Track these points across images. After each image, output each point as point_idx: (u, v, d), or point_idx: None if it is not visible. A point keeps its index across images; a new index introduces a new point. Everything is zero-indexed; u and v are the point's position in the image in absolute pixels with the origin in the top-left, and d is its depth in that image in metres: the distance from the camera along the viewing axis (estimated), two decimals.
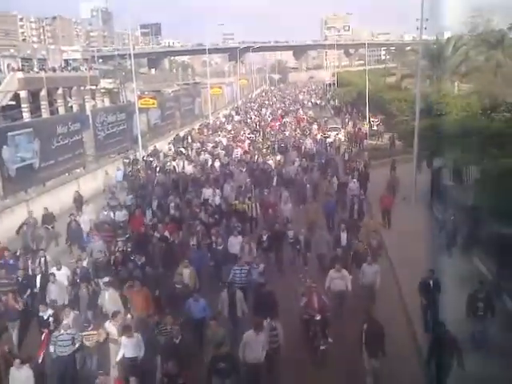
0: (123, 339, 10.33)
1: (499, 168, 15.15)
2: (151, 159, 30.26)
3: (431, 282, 11.99)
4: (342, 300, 12.89)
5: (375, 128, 40.20)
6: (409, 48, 63.97)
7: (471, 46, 50.01)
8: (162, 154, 32.20)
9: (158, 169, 27.85)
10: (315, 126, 42.46)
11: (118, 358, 10.30)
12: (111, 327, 10.85)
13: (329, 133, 38.54)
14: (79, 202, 22.04)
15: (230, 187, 22.52)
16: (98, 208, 20.95)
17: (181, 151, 32.92)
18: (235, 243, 15.69)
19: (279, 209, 19.79)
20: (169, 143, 36.86)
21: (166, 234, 16.62)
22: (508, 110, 36.50)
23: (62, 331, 10.58)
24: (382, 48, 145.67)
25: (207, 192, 21.82)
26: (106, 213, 19.59)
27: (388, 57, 71.10)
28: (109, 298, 12.31)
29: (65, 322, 10.81)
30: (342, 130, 40.87)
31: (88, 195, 24.36)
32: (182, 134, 40.94)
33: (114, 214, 19.51)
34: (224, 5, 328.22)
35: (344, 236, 16.04)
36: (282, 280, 14.92)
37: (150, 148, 34.28)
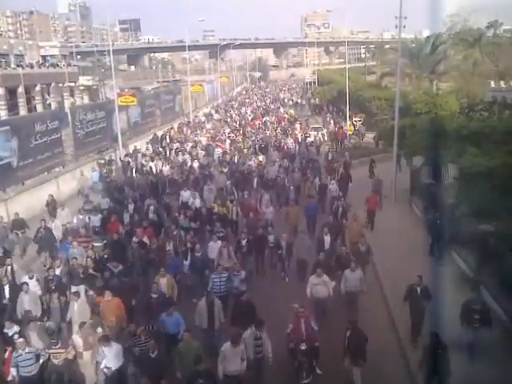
0: (102, 349, 9.89)
1: (477, 166, 15.38)
2: (128, 160, 29.16)
3: (419, 289, 11.44)
4: (325, 307, 12.46)
5: (358, 127, 40.00)
6: (388, 46, 64.57)
7: (449, 45, 50.68)
8: (139, 155, 31.09)
9: (134, 170, 27.04)
10: (297, 126, 42.09)
11: (99, 369, 9.94)
12: (78, 339, 10.40)
13: (311, 132, 38.13)
14: (52, 206, 20.76)
15: (209, 189, 21.69)
16: (75, 211, 19.88)
17: (159, 151, 32.25)
18: (215, 249, 15.06)
19: (260, 212, 19.10)
20: (147, 143, 36.03)
21: (145, 239, 15.89)
22: (486, 108, 37.22)
23: (20, 351, 9.80)
24: (362, 46, 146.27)
25: (185, 195, 21.03)
26: (81, 217, 18.62)
27: (368, 55, 71.49)
28: (78, 310, 11.78)
29: (20, 340, 10.02)
30: (325, 130, 40.63)
31: (67, 195, 24.02)
32: (160, 133, 39.72)
33: (89, 218, 18.54)
34: (204, 1, 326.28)
35: (327, 239, 15.48)
36: (264, 287, 14.47)
37: (131, 147, 33.79)
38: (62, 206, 20.12)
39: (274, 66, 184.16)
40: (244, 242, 15.49)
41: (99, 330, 10.62)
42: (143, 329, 10.50)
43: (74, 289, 13.05)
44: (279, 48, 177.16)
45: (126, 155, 30.43)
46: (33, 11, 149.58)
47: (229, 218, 18.90)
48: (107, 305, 11.71)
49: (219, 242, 15.21)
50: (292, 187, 22.26)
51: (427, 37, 55.23)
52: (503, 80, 36.66)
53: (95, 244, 16.04)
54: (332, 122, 44.72)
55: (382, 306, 13.71)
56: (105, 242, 16.21)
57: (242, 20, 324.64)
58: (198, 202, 20.01)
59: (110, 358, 9.90)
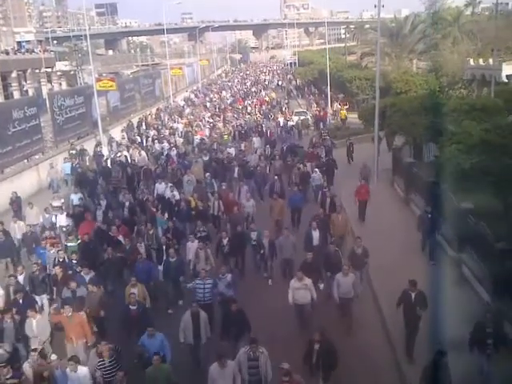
0: (67, 372, 8.76)
1: (456, 144, 15.54)
2: (100, 150, 27.39)
3: (413, 295, 10.19)
4: (308, 314, 11.31)
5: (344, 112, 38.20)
6: (368, 26, 64.45)
7: (428, 24, 50.76)
8: (114, 144, 29.58)
9: (109, 160, 25.03)
10: (284, 109, 41.04)
11: None
12: (28, 370, 8.93)
13: (294, 117, 36.39)
14: (17, 204, 18.75)
15: (189, 181, 19.93)
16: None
17: (135, 139, 30.58)
18: (193, 250, 13.51)
19: (239, 205, 17.28)
20: (122, 130, 34.14)
21: (120, 238, 14.45)
22: (465, 86, 37.50)
23: None
24: (342, 26, 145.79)
25: (160, 187, 19.17)
26: (47, 216, 16.91)
27: (348, 35, 71.43)
28: (37, 327, 10.27)
29: None
30: (309, 114, 39.25)
31: (48, 184, 23.34)
32: (136, 119, 38.07)
33: (56, 217, 16.88)
34: None
35: (316, 235, 14.04)
36: (244, 291, 12.71)
37: (109, 133, 33.31)
38: (30, 203, 17.78)
39: (254, 48, 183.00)
40: (225, 242, 14.04)
41: (53, 356, 9.17)
42: (110, 349, 9.05)
43: (37, 299, 11.89)
44: (259, 30, 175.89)
45: (97, 145, 28.60)
46: None
47: (209, 214, 17.41)
48: (68, 322, 10.24)
49: (196, 241, 13.70)
50: (276, 177, 20.32)
51: (406, 16, 55.32)
52: (482, 58, 36.82)
53: (68, 244, 14.55)
54: (314, 104, 44.21)
55: (373, 312, 12.42)
56: (79, 241, 14.58)
57: (221, 2, 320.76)
58: (176, 195, 18.25)
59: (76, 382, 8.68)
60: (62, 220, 16.77)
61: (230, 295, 11.27)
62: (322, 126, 35.51)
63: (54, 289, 12.48)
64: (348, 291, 11.31)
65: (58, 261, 13.19)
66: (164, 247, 13.65)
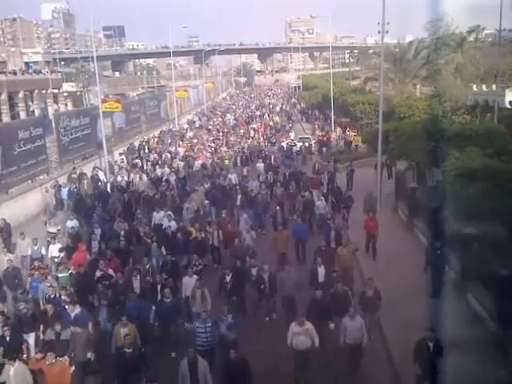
0: None
1: (459, 169, 15.54)
2: (97, 174, 26.36)
3: (431, 346, 9.19)
4: (308, 361, 10.38)
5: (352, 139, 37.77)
6: (372, 51, 65.07)
7: (432, 50, 51.19)
8: (116, 167, 28.85)
9: (108, 185, 24.37)
10: (291, 134, 40.29)
11: None
12: None
13: (298, 143, 35.55)
14: (6, 231, 17.96)
15: (189, 209, 19.03)
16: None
17: (136, 163, 29.82)
18: (191, 286, 12.53)
19: (238, 237, 16.14)
20: (120, 154, 33.38)
21: (111, 272, 13.40)
22: (468, 112, 37.63)
23: None
24: (346, 51, 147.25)
25: (158, 216, 18.21)
26: (35, 247, 15.81)
27: (352, 60, 72.15)
28: (14, 376, 9.18)
29: None
30: (313, 141, 38.74)
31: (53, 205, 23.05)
32: (137, 142, 37.44)
33: (47, 247, 16.01)
34: (188, 7, 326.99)
35: (322, 272, 13.08)
36: (246, 331, 11.69)
37: (108, 157, 33.19)
38: (22, 234, 16.58)
39: (259, 72, 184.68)
40: (228, 279, 12.85)
41: None
42: None
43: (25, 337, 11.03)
44: (264, 53, 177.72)
45: (94, 168, 27.69)
46: (16, 18, 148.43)
47: (208, 245, 16.34)
48: (50, 370, 9.23)
49: (195, 277, 12.78)
50: (278, 207, 19.29)
51: (410, 42, 55.82)
52: (485, 83, 37.08)
53: (59, 275, 13.69)
54: (319, 130, 43.31)
55: (384, 363, 11.23)
56: (70, 271, 13.85)
57: (227, 26, 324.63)
58: (173, 225, 17.10)
59: None
60: (54, 250, 15.77)
61: (231, 339, 10.50)
62: (325, 151, 35.55)
63: (42, 328, 11.30)
64: (357, 336, 10.45)
65: (49, 296, 12.27)
66: (159, 286, 12.50)
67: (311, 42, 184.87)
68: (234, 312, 11.48)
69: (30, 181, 24.97)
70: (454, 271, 14.31)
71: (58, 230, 17.82)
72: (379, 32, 23.88)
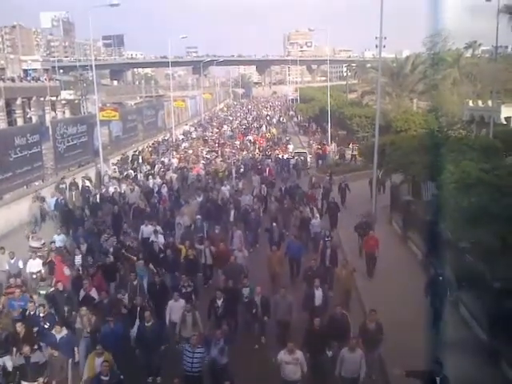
0: None
1: (454, 183, 15.60)
2: (88, 184, 25.40)
3: (438, 381, 8.41)
4: None
5: (354, 153, 37.03)
6: (369, 65, 65.56)
7: (429, 65, 51.61)
8: (106, 177, 27.70)
9: (97, 196, 23.44)
10: (290, 147, 40.00)
11: None
12: None
13: (295, 158, 34.60)
14: None
15: (178, 224, 18.08)
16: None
17: (129, 174, 28.62)
18: (176, 310, 11.53)
19: (230, 255, 15.11)
20: (114, 164, 32.70)
21: (93, 292, 12.28)
22: (463, 127, 37.87)
23: None
24: (344, 64, 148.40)
25: (146, 230, 17.21)
26: (12, 261, 14.67)
27: (349, 73, 72.63)
28: None
29: None
30: (309, 156, 37.89)
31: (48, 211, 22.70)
32: (131, 152, 36.42)
33: (25, 263, 14.71)
34: (187, 18, 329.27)
35: (319, 295, 12.30)
36: (234, 357, 10.63)
37: (113, 160, 33.39)
38: (2, 248, 15.26)
39: (256, 83, 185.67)
40: (220, 303, 11.88)
41: None
42: None
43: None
44: (262, 65, 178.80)
45: (84, 177, 26.59)
46: (15, 25, 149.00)
47: (200, 264, 15.27)
48: None
49: (181, 301, 11.78)
50: (274, 224, 18.20)
51: (407, 56, 56.34)
52: (481, 99, 37.38)
53: (41, 292, 12.71)
54: (315, 144, 42.43)
55: None
56: (51, 289, 12.86)
57: (226, 38, 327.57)
58: (161, 241, 16.14)
59: None
60: (33, 265, 14.62)
61: (223, 363, 9.95)
62: (321, 163, 35.60)
63: (14, 350, 10.19)
64: (354, 369, 9.60)
65: (29, 314, 11.32)
66: (138, 309, 11.46)
67: (309, 55, 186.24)
68: (225, 336, 10.58)
69: (25, 187, 24.90)
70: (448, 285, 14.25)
71: (43, 245, 16.48)
72: (377, 46, 24.15)
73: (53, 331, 10.33)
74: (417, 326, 11.32)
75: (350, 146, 39.43)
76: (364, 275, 15.98)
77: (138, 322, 11.18)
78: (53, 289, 12.79)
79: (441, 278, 12.62)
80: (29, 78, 60.49)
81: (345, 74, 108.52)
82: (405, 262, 17.42)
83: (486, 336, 11.36)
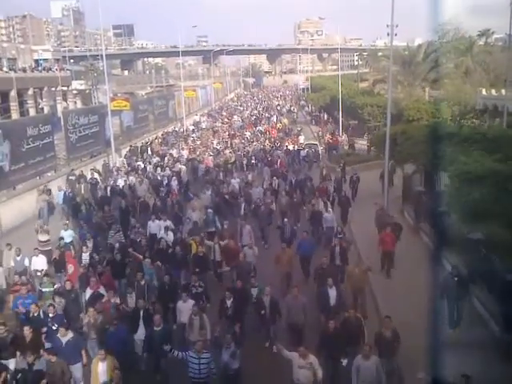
0: None
1: (466, 173, 15.48)
2: (96, 177, 24.95)
3: None
4: None
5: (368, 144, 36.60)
6: (381, 54, 64.98)
7: (441, 53, 51.08)
8: (114, 169, 27.20)
9: (107, 189, 22.79)
10: (301, 138, 39.39)
11: None
12: None
13: (306, 150, 33.71)
14: None
15: (188, 218, 17.41)
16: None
17: (137, 166, 28.18)
18: (185, 311, 11.10)
19: (239, 251, 14.66)
20: (124, 156, 32.53)
21: (102, 290, 11.87)
22: (477, 116, 37.49)
23: None
24: (355, 53, 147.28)
25: (153, 226, 16.73)
26: (18, 258, 14.30)
27: (361, 62, 72.09)
28: None
29: None
30: (320, 147, 37.36)
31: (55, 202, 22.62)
32: (140, 144, 36.07)
33: (30, 260, 14.27)
34: (198, 7, 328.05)
35: (333, 294, 11.77)
36: (243, 362, 10.00)
37: (125, 150, 33.36)
38: (9, 244, 14.98)
39: (267, 72, 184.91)
40: (229, 303, 11.47)
41: None
42: None
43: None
44: (273, 54, 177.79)
45: (92, 170, 26.30)
46: (26, 15, 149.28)
47: (210, 262, 14.64)
48: None
49: (190, 301, 11.26)
50: (286, 219, 17.68)
51: (419, 45, 55.71)
52: (494, 88, 36.91)
53: (43, 289, 12.45)
54: (327, 135, 41.36)
55: None
56: (57, 286, 12.66)
57: (236, 26, 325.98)
58: (170, 237, 15.55)
59: None
60: (37, 262, 14.33)
61: (235, 368, 9.59)
62: (333, 154, 35.34)
63: (18, 354, 9.73)
64: (371, 379, 9.07)
65: (33, 315, 10.89)
66: (142, 312, 10.85)
67: (320, 44, 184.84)
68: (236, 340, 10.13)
69: (37, 177, 25.07)
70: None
71: (48, 240, 16.28)
72: (388, 34, 23.81)
73: (58, 335, 9.82)
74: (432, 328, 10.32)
75: (365, 136, 39.16)
76: (379, 273, 15.31)
77: (141, 324, 10.70)
78: (57, 285, 12.50)
79: (456, 278, 11.99)
80: (40, 68, 60.69)
81: (356, 63, 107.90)
82: (418, 255, 16.99)
83: (500, 332, 11.25)
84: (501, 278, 11.70)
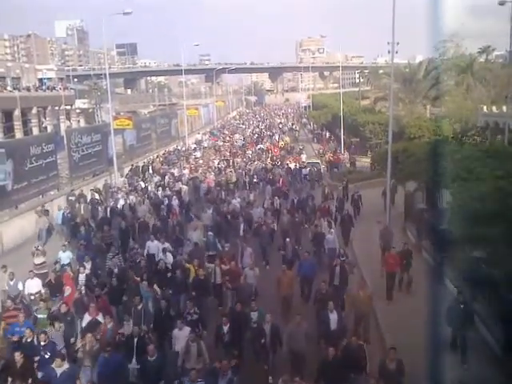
0: None
1: (468, 191, 15.47)
2: (96, 197, 24.75)
3: None
4: None
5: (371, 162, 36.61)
6: (382, 71, 65.39)
7: (442, 71, 51.33)
8: (115, 189, 27.06)
9: (108, 210, 22.54)
10: (303, 156, 38.74)
11: None
12: None
13: (307, 169, 33.07)
14: None
15: (188, 241, 17.17)
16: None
17: (138, 186, 27.74)
18: (181, 339, 10.73)
19: (240, 273, 14.45)
20: (126, 175, 32.22)
21: (99, 317, 11.44)
22: (478, 133, 37.58)
23: None
24: (356, 71, 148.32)
25: (152, 246, 16.34)
26: (11, 283, 13.75)
27: (362, 80, 72.48)
28: None
29: None
30: (322, 166, 37.01)
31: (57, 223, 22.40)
32: (141, 163, 35.96)
33: (24, 283, 13.78)
34: (200, 26, 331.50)
35: (334, 318, 11.42)
36: None
37: (127, 169, 33.55)
38: (4, 266, 14.51)
39: (269, 91, 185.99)
40: (226, 329, 11.13)
41: None
42: None
43: None
44: (274, 73, 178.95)
45: (92, 190, 25.93)
46: (30, 34, 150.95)
47: (210, 286, 14.24)
48: None
49: (186, 329, 10.91)
50: (287, 239, 17.24)
51: (420, 62, 56.09)
52: (495, 105, 37.03)
53: (39, 316, 11.95)
54: (329, 153, 41.13)
55: None
56: (51, 311, 12.13)
57: (238, 45, 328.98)
58: (169, 260, 15.20)
59: None
60: (32, 286, 13.84)
61: None
62: (334, 172, 35.33)
63: (9, 381, 9.45)
64: None
65: (26, 341, 10.44)
66: (136, 340, 10.44)
67: (321, 62, 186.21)
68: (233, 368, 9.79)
69: (40, 196, 25.11)
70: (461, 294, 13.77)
71: (44, 262, 15.95)
72: (389, 52, 24.05)
73: (52, 365, 9.34)
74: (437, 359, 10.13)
75: (368, 154, 39.13)
76: (382, 296, 14.94)
77: (135, 354, 10.33)
78: (54, 308, 12.08)
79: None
80: (44, 87, 61.12)
81: (357, 81, 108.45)
82: (420, 274, 16.76)
83: (499, 348, 11.16)
84: (504, 298, 11.62)
